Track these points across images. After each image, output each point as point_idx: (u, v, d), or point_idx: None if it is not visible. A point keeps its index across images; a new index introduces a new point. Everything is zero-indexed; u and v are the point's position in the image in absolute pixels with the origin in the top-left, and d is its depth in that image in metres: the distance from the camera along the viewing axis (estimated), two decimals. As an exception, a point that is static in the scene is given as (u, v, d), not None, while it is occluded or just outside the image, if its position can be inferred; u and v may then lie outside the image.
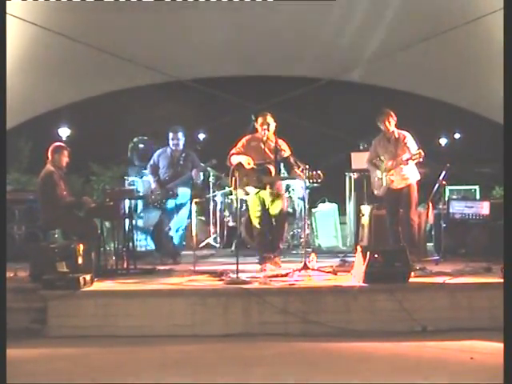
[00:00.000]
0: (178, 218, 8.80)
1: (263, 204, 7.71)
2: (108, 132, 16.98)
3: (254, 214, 7.76)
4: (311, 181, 7.42)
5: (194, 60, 10.60)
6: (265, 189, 7.60)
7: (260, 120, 7.74)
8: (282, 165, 7.87)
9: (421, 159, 7.71)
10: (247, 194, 7.67)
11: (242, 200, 7.87)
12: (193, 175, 8.78)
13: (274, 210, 7.68)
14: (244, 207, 8.67)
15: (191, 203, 7.99)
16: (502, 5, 5.68)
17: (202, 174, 9.09)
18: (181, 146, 8.91)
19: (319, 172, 7.38)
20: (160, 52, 10.01)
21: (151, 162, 8.96)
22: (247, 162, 7.64)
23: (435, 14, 8.85)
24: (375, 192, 8.31)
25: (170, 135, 8.90)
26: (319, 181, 7.43)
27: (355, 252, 7.01)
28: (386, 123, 7.93)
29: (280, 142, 7.79)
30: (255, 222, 7.78)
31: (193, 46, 10.10)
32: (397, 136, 7.98)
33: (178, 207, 8.79)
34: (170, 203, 8.75)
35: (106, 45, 9.33)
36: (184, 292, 6.51)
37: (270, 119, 7.74)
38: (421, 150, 7.70)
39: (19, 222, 9.27)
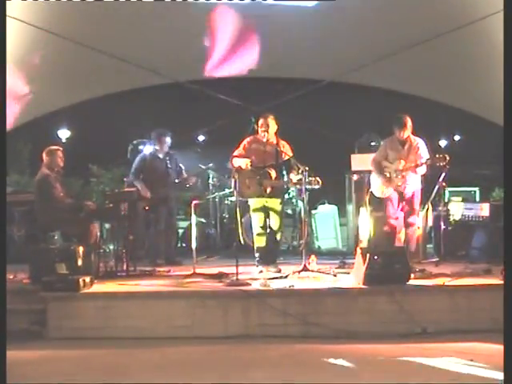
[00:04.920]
0: (172, 220, 8.85)
1: (263, 206, 7.71)
2: (108, 134, 16.98)
3: (254, 216, 7.77)
4: (309, 187, 7.43)
5: (193, 62, 10.60)
6: (265, 191, 7.60)
7: (260, 122, 7.74)
8: (283, 167, 7.86)
9: (442, 163, 7.51)
10: (247, 196, 7.68)
11: (242, 202, 7.88)
12: (189, 181, 8.81)
13: (274, 212, 7.69)
14: (244, 209, 8.67)
15: (190, 204, 7.97)
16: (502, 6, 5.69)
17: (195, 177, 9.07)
18: (166, 149, 8.91)
19: (317, 178, 7.40)
20: (160, 53, 10.00)
21: (136, 166, 8.89)
22: (246, 163, 7.65)
23: (435, 16, 8.84)
24: (376, 193, 8.21)
25: (156, 138, 8.89)
26: (317, 187, 7.45)
27: (355, 254, 7.01)
28: (402, 129, 7.74)
29: (282, 143, 7.79)
30: (255, 225, 7.79)
31: (192, 47, 10.10)
32: (411, 142, 7.81)
33: (168, 209, 8.82)
34: (163, 206, 8.76)
35: (106, 46, 9.33)
36: (184, 294, 6.51)
37: (270, 121, 7.72)
38: (446, 155, 7.51)
39: (19, 224, 9.28)
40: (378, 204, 8.44)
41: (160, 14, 8.86)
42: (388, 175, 7.90)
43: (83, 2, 8.24)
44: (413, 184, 7.83)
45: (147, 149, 9.12)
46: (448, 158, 7.53)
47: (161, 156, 8.90)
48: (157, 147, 8.90)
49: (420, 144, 7.84)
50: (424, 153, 7.80)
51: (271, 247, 7.79)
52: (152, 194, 8.66)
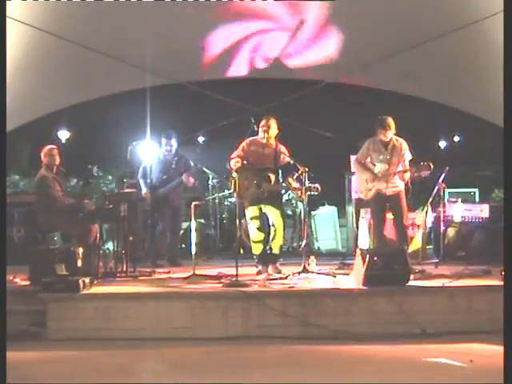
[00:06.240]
0: (173, 220, 8.86)
1: (260, 213, 7.70)
2: (108, 134, 16.99)
3: (251, 223, 7.76)
4: (309, 193, 7.43)
5: (193, 62, 10.61)
6: (263, 194, 7.59)
7: (262, 122, 7.74)
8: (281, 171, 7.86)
9: (428, 172, 7.57)
10: (246, 198, 7.68)
11: (241, 203, 7.87)
12: (183, 179, 8.81)
13: (273, 214, 7.68)
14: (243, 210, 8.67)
15: (190, 206, 7.98)
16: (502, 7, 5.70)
17: (191, 177, 9.06)
18: (173, 151, 8.96)
19: (317, 186, 7.40)
20: (160, 54, 10.00)
21: (143, 166, 8.99)
22: (241, 163, 7.64)
23: (435, 17, 8.84)
24: (360, 195, 8.19)
25: (163, 140, 8.95)
26: (316, 194, 7.46)
27: (354, 255, 7.01)
28: (385, 131, 7.70)
29: (281, 147, 7.78)
30: (254, 226, 7.78)
31: (193, 48, 10.10)
32: (394, 144, 7.78)
33: (173, 210, 8.84)
34: (163, 207, 8.78)
35: (106, 47, 9.34)
36: (183, 295, 6.51)
37: (272, 123, 7.72)
38: (430, 163, 7.54)
39: (19, 225, 9.28)
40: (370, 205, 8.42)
41: (160, 14, 8.85)
42: (372, 177, 7.85)
43: (83, 2, 8.23)
44: (396, 185, 7.78)
45: (154, 149, 9.15)
46: (432, 166, 7.53)
47: (169, 157, 8.94)
48: (164, 148, 8.95)
49: (403, 145, 7.80)
50: (407, 154, 7.78)
51: (271, 250, 7.77)
52: (157, 194, 8.69)
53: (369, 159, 7.92)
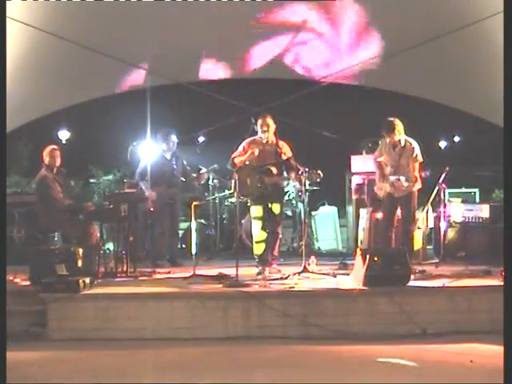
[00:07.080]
0: (172, 221, 8.85)
1: (262, 208, 7.71)
2: (108, 135, 17.01)
3: (254, 222, 7.77)
4: (310, 181, 7.44)
5: (193, 62, 10.60)
6: (266, 190, 7.60)
7: (260, 122, 7.76)
8: (282, 167, 7.87)
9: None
10: (248, 195, 7.69)
11: (241, 203, 7.88)
12: (198, 178, 8.82)
13: (273, 213, 7.69)
14: (244, 210, 8.69)
15: (191, 206, 7.98)
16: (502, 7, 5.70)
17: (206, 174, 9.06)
18: (172, 150, 8.93)
19: (319, 172, 7.41)
20: (160, 54, 10.00)
21: (142, 166, 8.93)
22: (245, 162, 7.66)
23: (435, 17, 8.84)
24: (377, 192, 8.19)
25: (162, 138, 8.92)
26: (318, 180, 7.47)
27: (355, 255, 7.01)
28: (389, 134, 7.63)
29: (281, 143, 7.80)
30: (255, 231, 7.79)
31: (193, 48, 10.10)
32: (403, 145, 7.70)
33: (173, 210, 8.84)
34: (165, 206, 8.78)
35: (106, 47, 9.33)
36: (184, 295, 6.51)
37: (269, 121, 7.75)
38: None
39: (19, 225, 9.27)
40: (378, 205, 8.43)
41: (160, 13, 8.85)
42: (383, 176, 7.85)
43: (83, 2, 8.22)
44: (406, 188, 7.65)
45: (153, 149, 9.12)
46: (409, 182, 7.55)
47: (167, 156, 8.92)
48: (163, 147, 8.92)
49: (413, 147, 7.69)
50: (418, 156, 7.71)
51: (271, 250, 7.78)
52: (158, 194, 8.69)
53: (383, 159, 7.93)
